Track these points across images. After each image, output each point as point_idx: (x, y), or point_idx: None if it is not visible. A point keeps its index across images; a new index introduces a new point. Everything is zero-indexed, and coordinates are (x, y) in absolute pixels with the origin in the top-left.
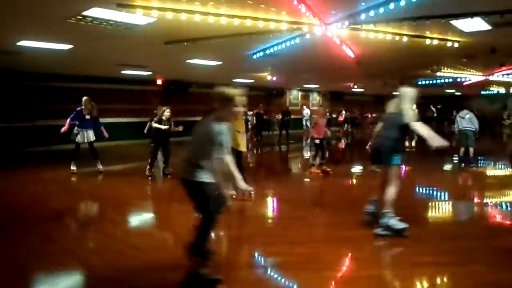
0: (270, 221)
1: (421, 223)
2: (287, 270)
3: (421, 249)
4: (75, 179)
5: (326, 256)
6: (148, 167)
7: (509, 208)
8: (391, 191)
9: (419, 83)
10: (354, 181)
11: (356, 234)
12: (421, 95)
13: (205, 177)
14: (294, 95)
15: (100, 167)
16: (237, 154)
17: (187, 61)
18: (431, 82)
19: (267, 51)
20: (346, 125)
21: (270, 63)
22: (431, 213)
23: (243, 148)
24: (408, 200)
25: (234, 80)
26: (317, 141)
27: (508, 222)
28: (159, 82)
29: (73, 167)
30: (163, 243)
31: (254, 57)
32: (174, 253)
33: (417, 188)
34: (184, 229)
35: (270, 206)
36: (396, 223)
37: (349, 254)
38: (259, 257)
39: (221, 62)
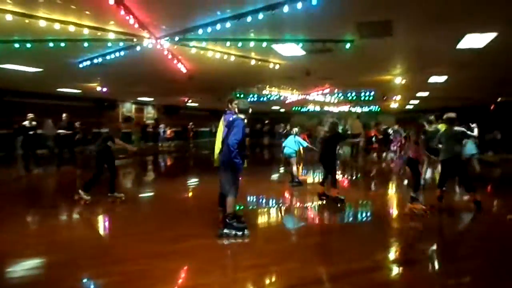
0: (96, 240)
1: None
2: None
3: (248, 253)
4: None
5: (157, 270)
6: None
7: (320, 210)
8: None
9: (250, 99)
10: (188, 193)
11: (187, 245)
12: (253, 111)
13: None
14: (128, 108)
15: None
16: None
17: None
18: (260, 99)
19: (95, 60)
20: None
21: (99, 73)
22: (260, 220)
23: None
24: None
25: (58, 89)
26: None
27: (317, 223)
28: None
29: None
30: None
31: (81, 65)
32: None
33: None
34: None
35: (97, 224)
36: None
37: (181, 266)
38: (85, 282)
39: (41, 69)
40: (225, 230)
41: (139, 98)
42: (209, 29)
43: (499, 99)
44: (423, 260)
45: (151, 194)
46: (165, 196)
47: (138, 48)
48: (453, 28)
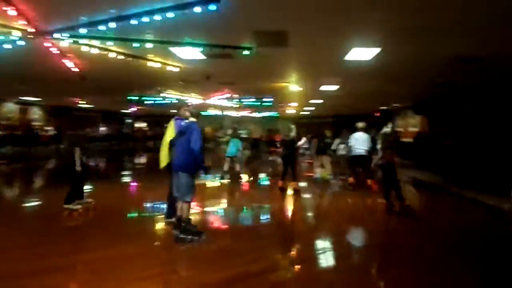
0: None
1: (148, 239)
2: None
3: (149, 262)
4: None
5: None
6: None
7: (223, 214)
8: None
9: (146, 102)
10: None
11: (67, 261)
12: (151, 113)
13: None
14: (10, 108)
15: None
16: None
17: None
18: (160, 102)
19: None
20: None
21: None
22: (163, 227)
23: None
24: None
25: None
26: None
27: (219, 226)
28: None
29: None
30: None
31: None
32: None
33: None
34: None
35: None
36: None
37: (75, 280)
38: None
39: None
40: (181, 235)
41: (23, 98)
42: (102, 28)
43: (381, 107)
44: (318, 258)
45: (38, 203)
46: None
47: (22, 43)
48: (341, 42)
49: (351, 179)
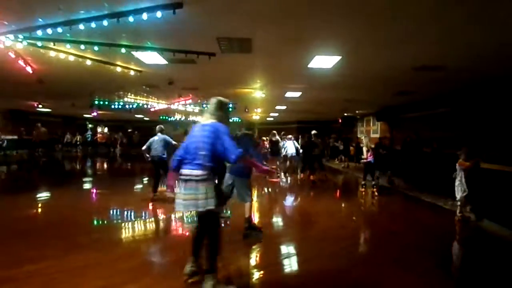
0: None
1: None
2: None
3: (98, 273)
4: None
5: None
6: None
7: (180, 221)
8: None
9: (112, 107)
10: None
11: (26, 269)
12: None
13: None
14: None
15: None
16: None
17: None
18: (122, 107)
19: None
20: None
21: None
22: (117, 235)
23: None
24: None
25: None
26: None
27: (176, 234)
28: None
29: None
30: None
31: None
32: None
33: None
34: None
35: None
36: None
37: None
38: None
39: None
40: (247, 231)
41: None
42: (59, 29)
43: (344, 114)
44: (279, 264)
45: None
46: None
47: None
48: (304, 50)
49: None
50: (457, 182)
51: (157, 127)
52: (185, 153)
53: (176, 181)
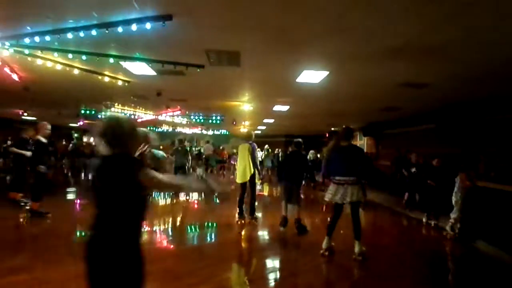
0: None
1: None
2: None
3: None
4: None
5: None
6: None
7: (167, 233)
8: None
9: (99, 116)
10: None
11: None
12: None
13: None
14: None
15: None
16: None
17: None
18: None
19: None
20: None
21: None
22: None
23: None
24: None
25: None
26: None
27: (165, 246)
28: None
29: None
30: None
31: None
32: None
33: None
34: None
35: None
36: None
37: None
38: None
39: None
40: (298, 230)
41: None
42: (47, 37)
43: (332, 129)
44: (263, 278)
45: None
46: None
47: None
48: (292, 64)
49: None
50: (454, 199)
51: None
52: None
53: None
